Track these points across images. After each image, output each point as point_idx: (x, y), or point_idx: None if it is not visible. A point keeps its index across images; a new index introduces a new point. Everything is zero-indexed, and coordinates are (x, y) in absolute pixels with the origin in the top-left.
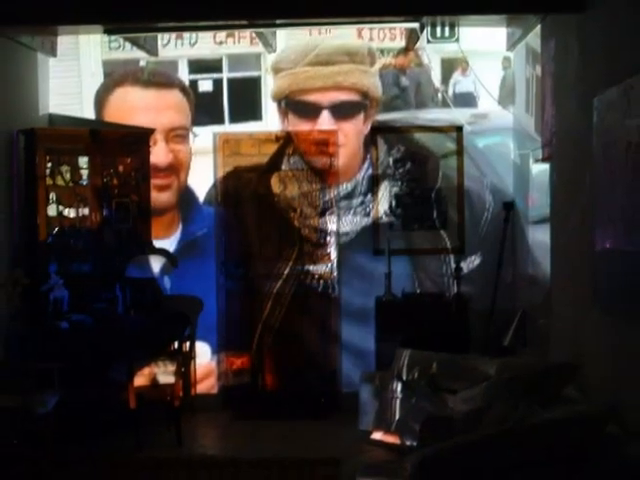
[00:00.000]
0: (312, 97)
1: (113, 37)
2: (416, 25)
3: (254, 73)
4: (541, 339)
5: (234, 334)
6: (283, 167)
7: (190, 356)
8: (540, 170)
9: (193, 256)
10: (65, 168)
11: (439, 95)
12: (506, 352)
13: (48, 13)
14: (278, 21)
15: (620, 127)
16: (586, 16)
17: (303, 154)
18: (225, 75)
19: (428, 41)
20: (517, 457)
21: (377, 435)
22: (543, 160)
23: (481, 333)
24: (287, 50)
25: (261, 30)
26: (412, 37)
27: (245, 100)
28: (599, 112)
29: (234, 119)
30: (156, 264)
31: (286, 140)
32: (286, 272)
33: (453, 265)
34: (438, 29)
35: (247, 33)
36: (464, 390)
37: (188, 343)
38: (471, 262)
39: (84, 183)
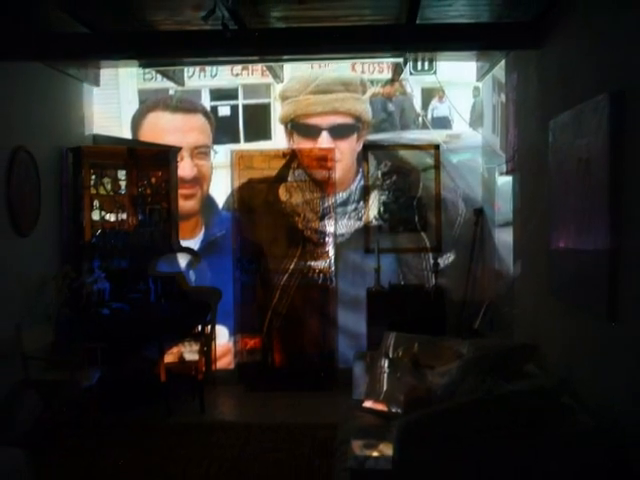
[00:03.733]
0: (313, 120)
1: (147, 70)
2: (400, 60)
3: (265, 100)
4: (506, 323)
5: (248, 319)
6: (289, 179)
7: (211, 337)
8: (504, 182)
9: (213, 254)
10: (106, 180)
11: (420, 119)
12: (476, 334)
13: (92, 50)
14: (285, 57)
15: (572, 145)
16: (544, 52)
17: (306, 168)
18: (240, 102)
19: (410, 73)
20: (486, 423)
21: (368, 403)
22: (506, 173)
23: (455, 319)
24: (292, 81)
25: (270, 64)
26: (397, 70)
27: (257, 123)
28: (554, 132)
29: (248, 139)
30: (182, 260)
31: (291, 156)
32: (291, 267)
33: (432, 261)
34: (419, 63)
35: (259, 66)
36: (441, 366)
37: (209, 327)
38: (447, 259)
39: (122, 192)
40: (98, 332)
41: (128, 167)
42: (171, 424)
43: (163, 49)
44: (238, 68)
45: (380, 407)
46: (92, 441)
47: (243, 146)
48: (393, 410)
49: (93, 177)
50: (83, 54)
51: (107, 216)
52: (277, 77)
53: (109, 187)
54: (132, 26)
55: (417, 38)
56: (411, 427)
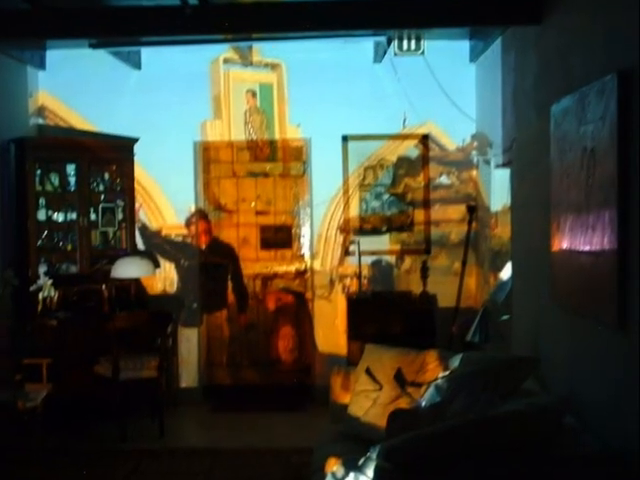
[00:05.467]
0: None
1: None
2: (383, 38)
3: None
4: (502, 334)
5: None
6: (267, 173)
7: (173, 351)
8: (501, 175)
9: None
10: (54, 175)
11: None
12: (469, 347)
13: (34, 28)
14: (254, 35)
15: (575, 133)
16: (544, 27)
17: (284, 161)
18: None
19: (395, 54)
20: (478, 446)
21: (347, 425)
22: (503, 165)
23: (446, 329)
24: None
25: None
26: (379, 54)
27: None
28: (556, 119)
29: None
30: (140, 265)
31: (264, 148)
32: (268, 271)
33: (419, 264)
34: (405, 42)
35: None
36: (429, 383)
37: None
38: (437, 262)
39: (72, 189)
40: (44, 345)
41: (78, 161)
42: (126, 449)
43: (116, 27)
44: None
45: (360, 428)
46: (35, 469)
47: (209, 137)
48: (374, 432)
49: (38, 172)
50: (23, 33)
51: (55, 215)
52: (245, 59)
53: (57, 183)
54: (79, 1)
55: (401, 14)
56: (394, 453)
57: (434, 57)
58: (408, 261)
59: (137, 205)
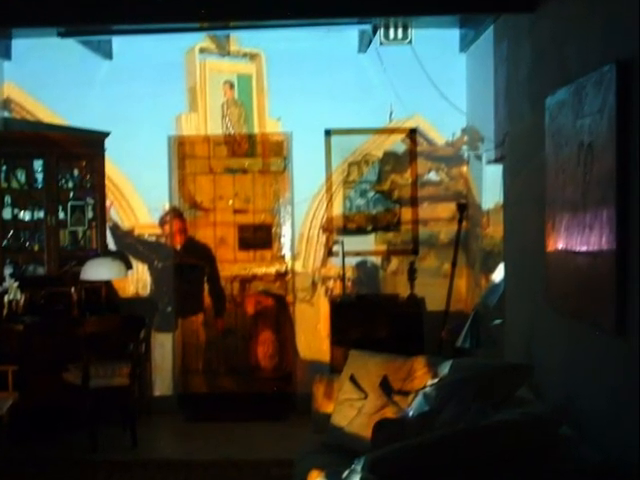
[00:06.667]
0: None
1: None
2: (368, 27)
3: None
4: (495, 339)
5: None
6: (246, 169)
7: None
8: (492, 171)
9: None
10: (20, 171)
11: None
12: (460, 353)
13: (2, 15)
14: (232, 24)
15: (572, 127)
16: (538, 15)
17: (264, 157)
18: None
19: (381, 43)
20: (469, 458)
21: (330, 436)
22: (496, 161)
23: (435, 333)
24: None
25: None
26: (364, 43)
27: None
28: (551, 112)
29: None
30: (111, 266)
31: (250, 143)
32: (247, 272)
33: (407, 266)
34: (391, 31)
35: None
36: (416, 391)
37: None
38: (425, 263)
39: (39, 186)
40: (10, 351)
41: (46, 156)
42: (97, 460)
43: (86, 15)
44: None
45: (344, 439)
46: None
47: (184, 131)
48: (359, 443)
49: (4, 168)
50: None
51: (21, 214)
52: (222, 49)
53: (23, 180)
54: None
55: (388, 1)
56: (379, 465)
57: (422, 46)
58: (395, 262)
59: (108, 203)
